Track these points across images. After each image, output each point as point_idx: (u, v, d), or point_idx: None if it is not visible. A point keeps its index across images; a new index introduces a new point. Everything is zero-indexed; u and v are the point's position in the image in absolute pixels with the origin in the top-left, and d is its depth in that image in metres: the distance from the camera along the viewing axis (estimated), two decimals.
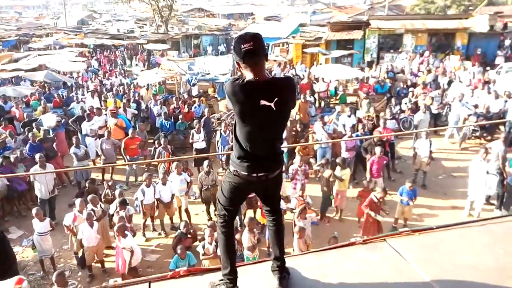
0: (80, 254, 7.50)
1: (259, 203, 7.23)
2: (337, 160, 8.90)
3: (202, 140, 10.98)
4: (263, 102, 2.24)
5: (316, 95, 15.79)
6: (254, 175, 2.41)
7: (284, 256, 2.76)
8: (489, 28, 21.19)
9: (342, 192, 8.66)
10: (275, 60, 22.08)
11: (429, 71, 16.74)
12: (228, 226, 2.63)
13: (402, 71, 17.97)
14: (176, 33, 34.63)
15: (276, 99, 2.26)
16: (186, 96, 15.65)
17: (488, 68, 17.42)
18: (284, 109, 2.36)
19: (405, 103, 13.34)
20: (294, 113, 12.99)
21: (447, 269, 2.80)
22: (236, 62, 2.36)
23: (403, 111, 12.75)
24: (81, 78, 21.15)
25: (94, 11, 59.77)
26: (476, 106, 12.21)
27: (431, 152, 9.66)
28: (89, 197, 7.78)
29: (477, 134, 12.13)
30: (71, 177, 10.70)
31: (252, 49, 2.22)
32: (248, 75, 2.30)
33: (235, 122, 2.43)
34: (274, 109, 2.26)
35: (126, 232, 6.78)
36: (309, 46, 22.37)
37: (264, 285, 2.70)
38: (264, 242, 7.32)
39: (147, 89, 16.70)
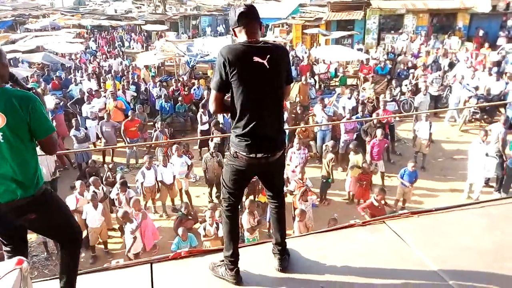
0: (83, 235, 7.60)
1: (260, 185, 7.30)
2: (351, 146, 8.88)
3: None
4: (256, 58, 2.33)
5: (316, 77, 15.71)
6: (253, 155, 2.40)
7: (286, 238, 2.80)
8: (492, 8, 20.90)
9: (354, 177, 8.56)
10: (274, 41, 21.85)
11: (428, 53, 16.61)
12: (232, 210, 2.64)
13: (404, 53, 17.83)
14: (174, 13, 34.16)
15: (268, 56, 2.35)
16: (185, 78, 15.55)
17: (485, 47, 17.26)
18: (277, 69, 2.41)
19: (406, 85, 13.29)
20: (294, 96, 12.97)
21: (445, 251, 2.86)
22: (232, 30, 2.49)
23: (403, 93, 12.71)
24: (79, 60, 20.96)
25: None
26: (476, 88, 12.16)
27: (431, 134, 9.68)
28: (91, 179, 7.81)
29: (477, 116, 12.11)
30: (72, 160, 10.73)
31: (246, 10, 2.40)
32: (242, 38, 2.42)
33: (231, 94, 2.41)
34: (268, 66, 2.34)
35: (131, 218, 6.82)
36: (309, 27, 22.10)
37: (264, 266, 2.76)
38: (265, 224, 7.40)
39: (146, 68, 16.60)
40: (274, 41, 21.88)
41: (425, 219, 3.29)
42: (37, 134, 2.22)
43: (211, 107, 2.50)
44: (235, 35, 2.48)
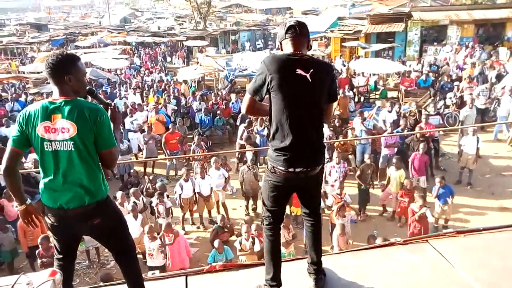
0: None
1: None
2: (394, 160, 8.60)
3: None
4: (299, 71, 2.30)
5: (355, 90, 15.48)
6: (291, 170, 2.33)
7: (322, 257, 2.70)
8: None
9: (396, 194, 8.25)
10: (313, 55, 21.78)
11: (474, 65, 15.94)
12: (273, 229, 2.55)
13: (447, 64, 17.21)
14: (214, 29, 34.99)
15: (312, 70, 2.31)
16: (224, 92, 15.80)
17: None
18: (320, 84, 2.35)
19: (450, 98, 12.79)
20: (333, 109, 12.80)
21: (495, 273, 2.67)
22: (279, 43, 2.48)
23: (447, 106, 12.23)
24: (124, 75, 21.84)
25: (136, 10, 61.55)
26: None
27: (478, 149, 9.20)
28: (132, 190, 8.03)
29: None
30: (114, 171, 11.09)
31: (295, 24, 2.42)
32: (288, 50, 2.40)
33: (270, 106, 2.38)
34: (310, 80, 2.30)
35: (155, 235, 6.88)
36: (348, 40, 21.91)
37: (298, 284, 2.68)
38: (301, 238, 7.27)
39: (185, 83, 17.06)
40: (313, 54, 21.93)
41: (472, 238, 3.10)
42: (99, 145, 2.31)
43: (243, 108, 2.57)
44: (281, 49, 2.47)
